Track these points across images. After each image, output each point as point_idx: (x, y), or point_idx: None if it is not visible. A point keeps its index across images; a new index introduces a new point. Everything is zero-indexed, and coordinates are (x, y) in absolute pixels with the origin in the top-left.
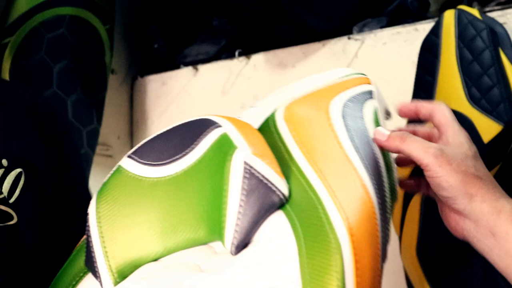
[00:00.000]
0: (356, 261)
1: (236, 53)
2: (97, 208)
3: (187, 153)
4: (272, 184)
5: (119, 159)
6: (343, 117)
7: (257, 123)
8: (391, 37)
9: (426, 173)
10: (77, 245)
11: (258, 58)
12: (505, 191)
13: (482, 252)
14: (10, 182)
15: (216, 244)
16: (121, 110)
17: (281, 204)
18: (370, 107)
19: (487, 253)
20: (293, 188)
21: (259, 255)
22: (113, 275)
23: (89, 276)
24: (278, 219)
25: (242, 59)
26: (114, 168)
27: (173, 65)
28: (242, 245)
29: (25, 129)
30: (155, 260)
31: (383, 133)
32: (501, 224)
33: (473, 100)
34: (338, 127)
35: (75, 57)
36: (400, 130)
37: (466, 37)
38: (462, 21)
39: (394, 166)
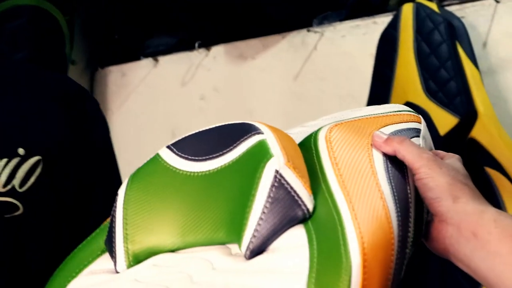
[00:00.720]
0: (364, 273)
1: (196, 44)
2: (127, 191)
3: (224, 153)
4: (299, 198)
5: None
6: None
7: (300, 139)
8: (350, 30)
9: (416, 176)
10: (103, 224)
11: (218, 50)
12: None
13: (463, 259)
14: (26, 170)
15: (233, 246)
16: None
17: (304, 218)
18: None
19: (468, 257)
20: (318, 205)
21: (271, 264)
22: (128, 258)
23: (106, 255)
24: (297, 232)
25: (202, 50)
26: (152, 156)
27: (133, 57)
28: (258, 251)
29: (52, 116)
30: (172, 251)
31: (382, 135)
32: (483, 224)
33: (430, 93)
34: (376, 157)
35: (35, 47)
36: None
37: (424, 31)
38: (420, 15)
39: (425, 211)
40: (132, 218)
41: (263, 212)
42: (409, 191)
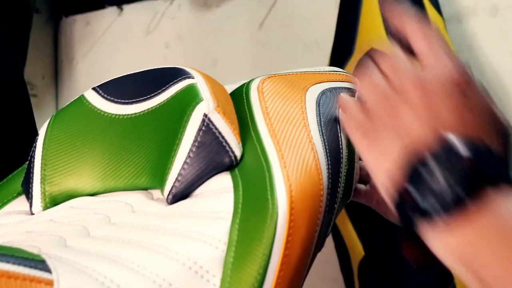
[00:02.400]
0: (289, 235)
1: None
2: (47, 131)
3: (151, 96)
4: (227, 144)
5: (44, 98)
6: (318, 103)
7: (231, 90)
8: None
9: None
10: (21, 167)
11: None
12: None
13: None
14: None
15: (156, 192)
16: (46, 50)
17: (231, 165)
18: None
19: None
20: (247, 153)
21: (194, 208)
22: (45, 200)
23: (22, 198)
24: (223, 179)
25: None
26: (76, 97)
27: (98, 5)
28: (180, 196)
29: None
30: (91, 195)
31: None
32: None
33: None
34: (309, 110)
35: None
36: None
37: None
38: None
39: (357, 167)
40: (52, 159)
41: (189, 156)
42: (341, 146)
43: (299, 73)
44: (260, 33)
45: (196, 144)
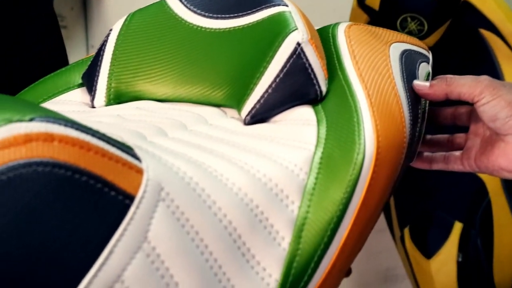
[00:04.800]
0: (371, 179)
1: None
2: (123, 27)
3: (240, 15)
4: (315, 77)
5: (73, 29)
6: (401, 59)
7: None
8: None
9: (480, 102)
10: (80, 59)
11: None
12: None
13: None
14: None
15: (229, 111)
16: None
17: (315, 99)
18: (424, 68)
19: None
20: (333, 92)
21: (273, 133)
22: (109, 96)
23: (79, 91)
24: (306, 111)
25: None
26: (157, 1)
27: None
28: (259, 118)
29: None
30: (160, 101)
31: (424, 83)
32: None
33: None
34: (393, 64)
35: None
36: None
37: None
38: None
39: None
40: (123, 57)
41: (275, 81)
42: (420, 107)
43: (381, 28)
44: None
45: (284, 71)
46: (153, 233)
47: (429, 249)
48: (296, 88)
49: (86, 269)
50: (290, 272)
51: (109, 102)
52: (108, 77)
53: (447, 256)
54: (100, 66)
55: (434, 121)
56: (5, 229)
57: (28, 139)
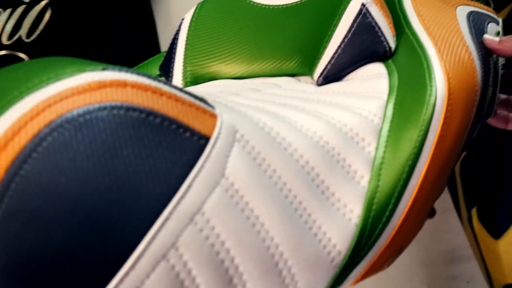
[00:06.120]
0: (446, 117)
1: None
2: (194, 15)
3: None
4: (382, 34)
5: None
6: (468, 18)
7: None
8: None
9: None
10: (156, 55)
11: None
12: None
13: None
14: (33, 17)
15: (303, 78)
16: None
17: (384, 55)
18: (493, 27)
19: None
20: (401, 47)
21: (346, 88)
22: (185, 78)
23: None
24: (376, 66)
25: None
26: None
27: None
28: (332, 78)
29: None
30: (235, 79)
31: (494, 38)
32: None
33: None
34: (461, 22)
35: None
36: None
37: None
38: None
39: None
40: (196, 42)
41: (343, 42)
42: (491, 61)
43: None
44: None
45: (352, 31)
46: (230, 170)
47: (497, 229)
48: (365, 47)
49: (166, 201)
50: (372, 208)
51: (186, 85)
52: (184, 61)
53: None
54: (175, 53)
55: (511, 83)
56: (86, 164)
57: (102, 85)
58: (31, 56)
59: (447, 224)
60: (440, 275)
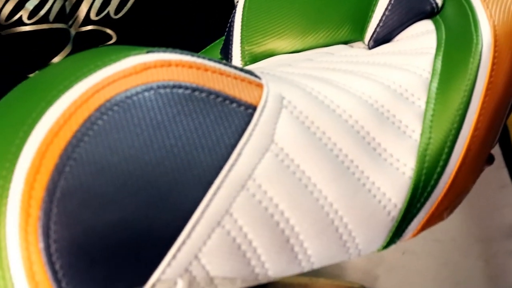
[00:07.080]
0: (493, 64)
1: None
2: None
3: None
4: None
5: None
6: None
7: None
8: None
9: None
10: (217, 40)
11: None
12: None
13: None
14: None
15: (355, 44)
16: None
17: (431, 13)
18: None
19: None
20: (448, 3)
21: (396, 48)
22: (244, 58)
23: None
24: (424, 23)
25: None
26: None
27: None
28: (382, 41)
29: None
30: (290, 53)
31: None
32: None
33: None
34: None
35: None
36: None
37: None
38: None
39: None
40: (251, 21)
41: (390, 3)
42: None
43: None
44: None
45: None
46: (279, 136)
47: None
48: (412, 6)
49: (218, 170)
50: (425, 159)
51: (245, 64)
52: (241, 41)
53: None
54: (232, 35)
55: None
56: (137, 142)
57: (147, 66)
58: (118, 32)
59: (504, 199)
60: (497, 250)
